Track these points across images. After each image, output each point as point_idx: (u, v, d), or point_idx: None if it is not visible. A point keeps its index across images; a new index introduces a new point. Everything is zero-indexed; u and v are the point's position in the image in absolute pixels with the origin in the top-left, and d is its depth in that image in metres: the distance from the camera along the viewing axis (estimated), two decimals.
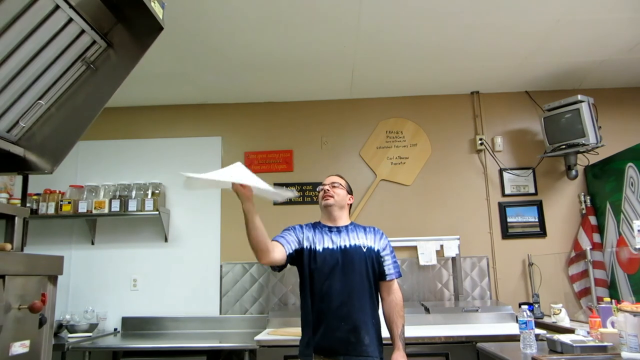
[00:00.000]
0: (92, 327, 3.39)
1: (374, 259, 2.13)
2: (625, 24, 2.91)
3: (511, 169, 3.85)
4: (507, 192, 3.81)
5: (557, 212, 3.77)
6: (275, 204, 3.77)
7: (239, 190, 1.80)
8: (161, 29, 1.84)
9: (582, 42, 3.14)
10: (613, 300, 2.48)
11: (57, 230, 3.82)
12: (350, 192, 2.29)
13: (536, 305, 3.30)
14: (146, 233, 3.80)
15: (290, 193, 1.92)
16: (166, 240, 3.78)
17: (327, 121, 3.99)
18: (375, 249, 2.15)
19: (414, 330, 2.79)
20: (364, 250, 2.12)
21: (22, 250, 1.77)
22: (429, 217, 3.79)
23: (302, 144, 3.95)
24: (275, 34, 2.94)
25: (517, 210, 3.78)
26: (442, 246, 3.61)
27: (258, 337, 2.84)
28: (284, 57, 3.25)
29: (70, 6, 1.61)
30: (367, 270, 2.10)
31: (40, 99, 1.79)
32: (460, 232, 3.67)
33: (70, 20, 1.66)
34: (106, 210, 3.55)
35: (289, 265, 2.11)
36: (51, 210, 3.54)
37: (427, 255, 3.59)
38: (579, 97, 3.46)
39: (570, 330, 2.59)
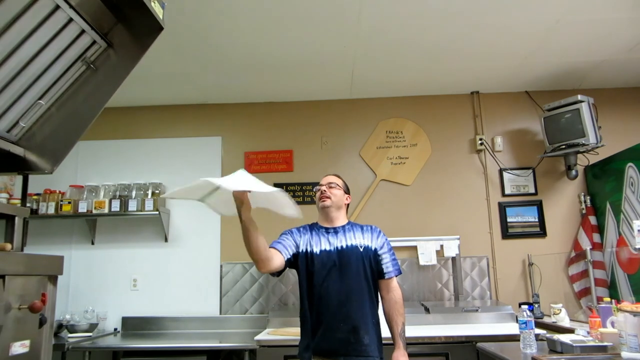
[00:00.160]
0: (92, 327, 3.39)
1: (371, 258, 2.12)
2: (625, 24, 2.92)
3: (511, 169, 3.85)
4: (507, 192, 3.81)
5: (557, 212, 3.77)
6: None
7: (243, 198, 1.78)
8: (161, 29, 1.84)
9: (582, 42, 3.14)
10: (613, 300, 2.48)
11: (57, 230, 3.82)
12: (347, 191, 2.28)
13: (536, 305, 3.30)
14: (146, 233, 3.80)
15: (295, 212, 1.87)
16: (166, 240, 3.78)
17: (327, 121, 4.00)
18: (373, 248, 2.14)
19: (414, 330, 2.79)
20: (361, 249, 2.11)
21: (22, 250, 1.77)
22: (429, 217, 3.79)
23: (302, 144, 3.95)
24: (275, 34, 2.94)
25: (517, 210, 3.78)
26: (442, 246, 3.61)
27: (258, 337, 2.84)
28: (284, 57, 3.25)
29: (71, 6, 1.61)
30: (365, 270, 2.09)
31: (40, 99, 1.79)
32: (460, 232, 3.67)
33: (71, 20, 1.66)
34: (106, 210, 3.55)
35: (287, 268, 2.11)
36: (51, 210, 3.54)
37: (427, 255, 3.59)
38: (579, 97, 3.46)
39: (570, 330, 2.59)
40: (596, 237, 3.55)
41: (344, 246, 2.11)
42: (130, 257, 3.78)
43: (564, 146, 3.52)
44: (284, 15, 2.73)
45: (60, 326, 3.35)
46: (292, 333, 2.79)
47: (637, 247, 2.69)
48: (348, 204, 2.29)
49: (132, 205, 3.57)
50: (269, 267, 1.95)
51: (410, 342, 2.40)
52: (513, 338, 2.58)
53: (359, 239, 2.15)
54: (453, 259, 3.62)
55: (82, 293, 3.70)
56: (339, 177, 2.28)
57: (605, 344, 2.13)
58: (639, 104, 3.89)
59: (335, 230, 2.17)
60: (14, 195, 3.27)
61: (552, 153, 3.63)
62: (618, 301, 2.45)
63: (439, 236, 3.66)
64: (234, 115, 4.03)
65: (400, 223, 3.76)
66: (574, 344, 2.11)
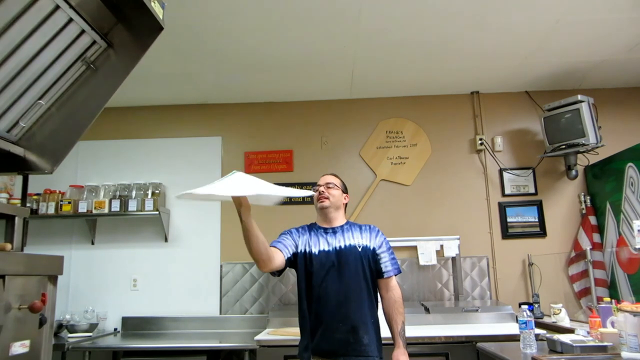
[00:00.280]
0: (92, 327, 3.39)
1: (369, 258, 2.12)
2: (625, 24, 2.92)
3: (511, 169, 3.85)
4: (507, 192, 3.81)
5: (557, 212, 3.77)
6: (275, 204, 3.77)
7: (242, 201, 1.77)
8: (161, 29, 1.84)
9: (582, 42, 3.14)
10: (613, 300, 2.48)
11: (57, 230, 3.82)
12: (345, 190, 2.27)
13: (536, 305, 3.30)
14: (146, 233, 3.81)
15: (303, 192, 1.87)
16: (166, 240, 3.78)
17: (327, 121, 4.00)
18: (371, 247, 2.14)
19: (414, 330, 2.79)
20: (359, 249, 2.11)
21: (22, 250, 1.77)
22: (429, 217, 3.79)
23: (302, 144, 3.95)
24: (275, 34, 2.94)
25: (517, 210, 3.78)
26: (442, 246, 3.61)
27: (258, 337, 2.84)
28: (283, 57, 3.25)
29: (70, 6, 1.61)
30: (364, 270, 2.09)
31: (40, 99, 1.79)
32: (460, 232, 3.67)
33: (71, 20, 1.66)
34: (106, 210, 3.55)
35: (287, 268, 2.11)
36: (51, 210, 3.54)
37: (427, 255, 3.59)
38: (579, 97, 3.46)
39: (570, 330, 2.59)
40: (596, 237, 3.55)
41: (343, 246, 2.11)
42: (130, 257, 3.78)
43: (564, 146, 3.52)
44: (284, 15, 2.73)
45: (60, 326, 3.35)
46: (292, 333, 2.79)
47: (637, 247, 2.69)
48: (346, 204, 2.29)
49: (132, 205, 3.57)
50: (270, 266, 1.95)
51: (410, 342, 2.40)
52: (513, 338, 2.58)
53: (358, 239, 2.14)
54: (453, 259, 3.62)
55: (82, 293, 3.70)
56: (336, 176, 2.28)
57: (605, 344, 2.13)
58: (639, 104, 3.89)
59: (334, 231, 2.17)
60: (14, 195, 3.27)
61: (552, 153, 3.63)
62: (618, 301, 2.45)
63: (439, 236, 3.66)
64: (234, 115, 4.03)
65: (400, 223, 3.76)
66: (574, 344, 2.11)
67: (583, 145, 3.44)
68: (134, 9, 1.73)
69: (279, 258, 2.00)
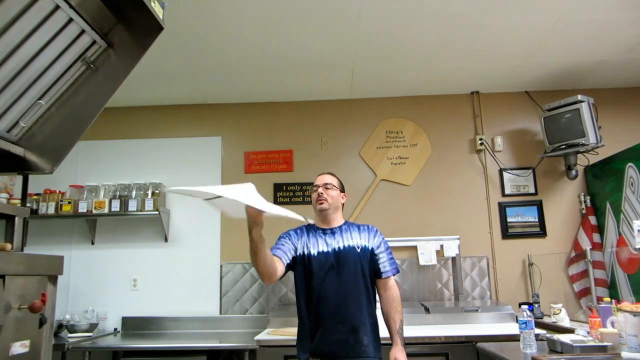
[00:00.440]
0: (92, 327, 3.39)
1: (368, 258, 2.12)
2: (625, 24, 2.92)
3: (511, 169, 3.85)
4: (507, 192, 3.81)
5: (557, 212, 3.77)
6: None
7: (257, 219, 1.72)
8: (161, 29, 1.84)
9: (582, 42, 3.14)
10: (613, 300, 2.48)
11: (57, 230, 3.82)
12: (342, 189, 2.27)
13: (536, 305, 3.30)
14: (146, 233, 3.80)
15: (299, 217, 1.81)
16: (166, 240, 3.78)
17: (327, 121, 3.99)
18: (370, 248, 2.14)
19: (414, 330, 2.79)
20: (358, 250, 2.11)
21: (22, 250, 1.77)
22: (429, 217, 3.79)
23: (302, 144, 3.95)
24: (275, 34, 2.94)
25: (517, 210, 3.78)
26: (442, 246, 3.61)
27: (258, 337, 2.84)
28: (283, 56, 3.25)
29: (71, 6, 1.61)
30: (363, 270, 2.09)
31: (40, 99, 1.79)
32: (460, 232, 3.67)
33: (71, 20, 1.66)
34: (106, 210, 3.55)
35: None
36: (51, 210, 3.54)
37: (427, 255, 3.59)
38: (579, 97, 3.46)
39: (570, 330, 2.59)
40: (596, 237, 3.55)
41: (341, 247, 2.11)
42: (130, 257, 3.78)
43: (564, 146, 3.52)
44: (284, 15, 2.73)
45: (60, 326, 3.35)
46: (292, 333, 2.78)
47: (637, 247, 2.69)
48: (344, 203, 2.28)
49: (132, 205, 3.57)
50: (273, 279, 1.96)
51: (410, 342, 2.40)
52: (513, 338, 2.58)
53: (356, 240, 2.14)
54: (453, 259, 3.62)
55: (82, 293, 3.70)
56: (333, 175, 2.27)
57: (605, 344, 2.13)
58: (639, 104, 3.89)
59: (332, 231, 2.17)
60: (14, 195, 3.27)
61: (552, 153, 3.63)
62: (618, 301, 2.45)
63: (439, 236, 3.66)
64: (234, 115, 4.03)
65: (400, 223, 3.76)
66: (574, 344, 2.11)
67: (583, 145, 3.44)
68: (134, 9, 1.73)
69: (280, 269, 1.99)
